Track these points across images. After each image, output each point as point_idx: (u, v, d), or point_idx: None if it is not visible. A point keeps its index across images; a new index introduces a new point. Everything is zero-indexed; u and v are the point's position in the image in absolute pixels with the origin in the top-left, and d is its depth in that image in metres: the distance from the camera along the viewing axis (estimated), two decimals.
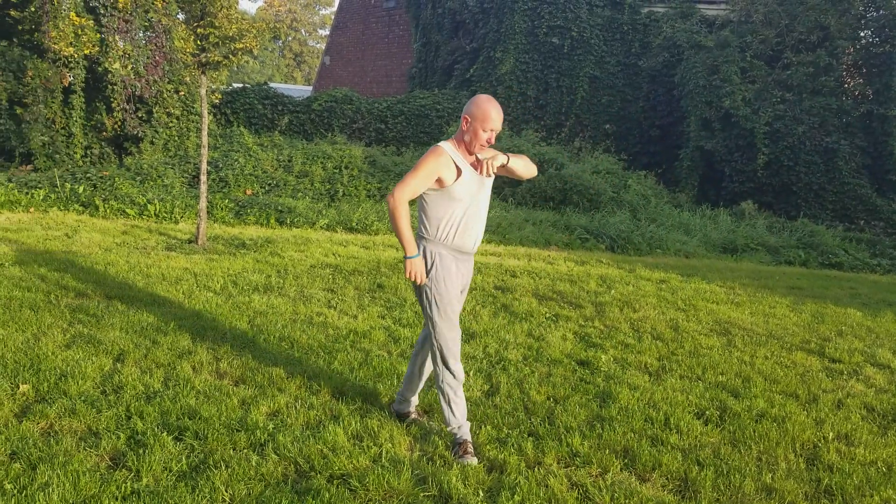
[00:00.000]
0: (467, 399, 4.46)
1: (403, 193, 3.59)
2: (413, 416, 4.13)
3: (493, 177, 3.80)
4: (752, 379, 5.35)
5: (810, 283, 10.44)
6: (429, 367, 4.04)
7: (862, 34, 17.73)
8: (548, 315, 6.88)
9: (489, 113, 3.60)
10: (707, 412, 4.55)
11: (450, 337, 3.72)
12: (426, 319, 3.77)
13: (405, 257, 3.66)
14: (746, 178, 16.84)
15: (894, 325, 7.77)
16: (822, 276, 11.56)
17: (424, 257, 3.73)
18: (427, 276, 3.72)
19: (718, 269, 10.88)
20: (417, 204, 3.80)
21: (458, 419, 3.77)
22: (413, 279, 3.68)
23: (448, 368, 3.74)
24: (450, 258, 3.75)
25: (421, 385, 4.10)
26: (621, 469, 3.70)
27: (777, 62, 17.40)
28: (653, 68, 19.06)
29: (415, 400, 4.16)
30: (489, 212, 13.00)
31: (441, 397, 3.79)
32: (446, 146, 3.70)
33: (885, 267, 13.11)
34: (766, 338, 6.70)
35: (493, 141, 3.69)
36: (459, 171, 3.66)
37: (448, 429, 3.81)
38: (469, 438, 3.78)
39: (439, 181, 3.65)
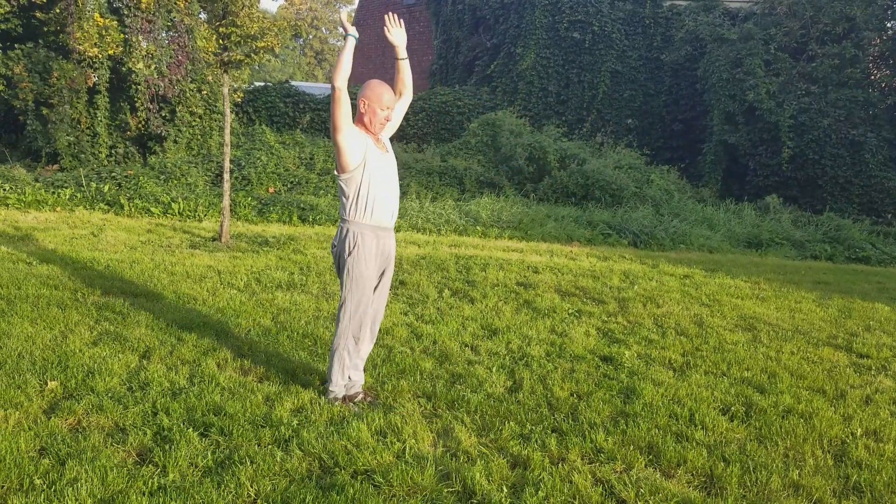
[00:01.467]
0: (490, 395, 4.46)
1: (340, 82, 3.87)
2: (360, 396, 4.27)
3: (393, 154, 4.31)
4: (777, 375, 5.29)
5: (837, 277, 10.31)
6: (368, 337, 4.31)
7: (889, 24, 17.45)
8: (570, 311, 6.86)
9: (382, 94, 4.05)
10: (732, 408, 4.51)
11: (361, 311, 4.11)
12: (342, 293, 4.11)
13: (349, 35, 4.03)
14: (771, 172, 16.66)
15: None
16: (848, 270, 11.42)
17: (346, 239, 4.06)
18: (349, 256, 4.04)
19: (743, 264, 10.78)
20: (337, 190, 4.17)
21: (340, 386, 4.18)
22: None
23: (353, 337, 4.13)
24: (371, 236, 4.08)
25: (362, 362, 4.33)
26: (646, 465, 3.68)
27: (802, 54, 17.18)
28: (675, 62, 18.91)
29: (360, 379, 4.31)
30: (512, 207, 13.00)
31: (335, 360, 4.13)
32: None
33: None
34: (792, 333, 6.63)
35: (391, 118, 4.17)
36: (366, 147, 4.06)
37: (329, 387, 4.18)
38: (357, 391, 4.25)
39: (350, 154, 3.99)
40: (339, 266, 4.12)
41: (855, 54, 16.40)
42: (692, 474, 3.62)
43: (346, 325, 4.10)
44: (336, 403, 4.12)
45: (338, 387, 4.18)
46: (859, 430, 4.32)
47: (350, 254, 4.03)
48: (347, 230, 4.06)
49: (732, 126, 17.11)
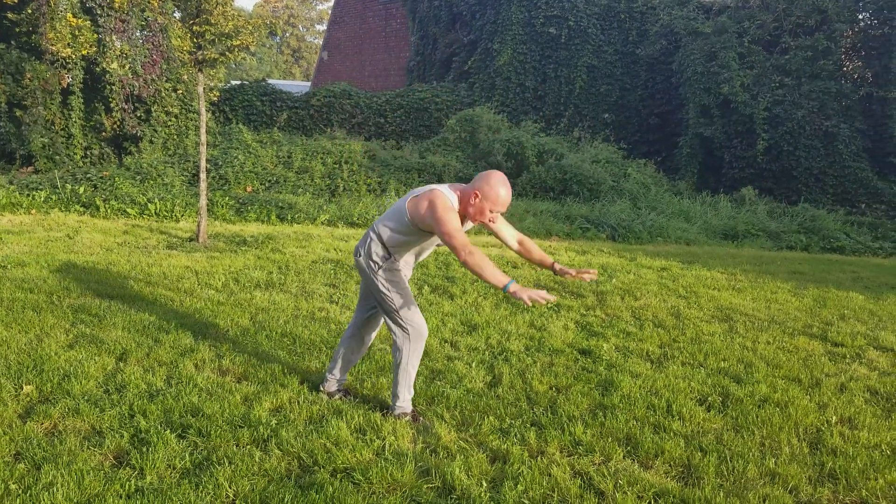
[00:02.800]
0: (470, 390, 4.48)
1: (464, 242, 3.53)
2: (339, 394, 4.27)
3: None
4: (754, 364, 5.35)
5: (812, 267, 10.43)
6: (355, 354, 4.27)
7: (860, 16, 17.66)
8: (550, 305, 6.89)
9: (500, 198, 3.64)
10: (709, 398, 4.56)
11: (414, 308, 3.92)
12: (386, 304, 3.89)
13: (505, 290, 3.46)
14: (746, 164, 16.81)
15: None
16: (823, 260, 11.55)
17: (372, 254, 3.86)
18: (379, 270, 3.86)
19: (719, 256, 10.88)
20: (395, 209, 3.86)
21: (409, 399, 4.03)
22: (537, 301, 3.43)
23: (421, 338, 3.93)
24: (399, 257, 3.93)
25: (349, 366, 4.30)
26: (624, 456, 3.71)
27: (775, 47, 17.34)
28: (650, 56, 19.02)
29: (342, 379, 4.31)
30: None
31: (402, 375, 3.95)
32: (452, 200, 3.70)
33: (888, 250, 13.10)
34: (768, 323, 6.70)
35: (495, 221, 3.81)
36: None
37: (397, 403, 4.01)
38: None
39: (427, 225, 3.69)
40: (371, 275, 3.87)
41: (827, 46, 16.59)
42: (670, 465, 3.65)
43: (412, 331, 3.89)
44: (406, 418, 3.96)
45: (407, 401, 4.02)
46: (834, 417, 4.38)
47: (379, 266, 3.86)
48: (373, 240, 3.87)
49: (708, 119, 17.25)
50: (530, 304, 3.40)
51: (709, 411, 4.37)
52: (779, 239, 13.18)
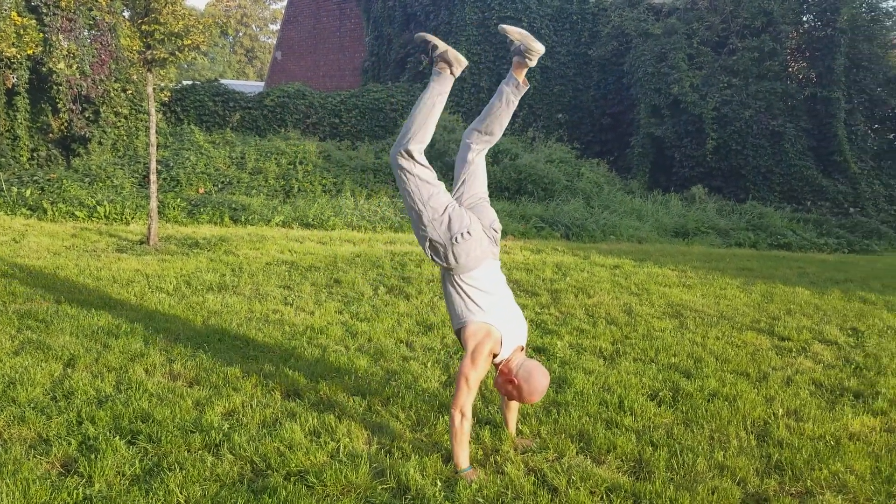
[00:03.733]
0: (425, 390, 4.49)
1: (469, 399, 3.45)
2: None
3: None
4: (703, 359, 5.46)
5: (760, 263, 10.67)
6: None
7: (804, 18, 18.12)
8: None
9: (533, 393, 3.51)
10: (660, 393, 4.64)
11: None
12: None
13: (459, 471, 3.44)
14: (696, 163, 17.12)
15: (841, 302, 7.99)
16: (771, 256, 11.83)
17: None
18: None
19: (670, 254, 11.06)
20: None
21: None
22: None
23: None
24: None
25: None
26: (577, 452, 3.75)
27: (723, 48, 17.70)
28: (602, 57, 19.24)
29: None
30: None
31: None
32: (505, 349, 3.57)
33: (832, 246, 13.47)
34: (718, 319, 6.84)
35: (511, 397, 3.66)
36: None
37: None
38: None
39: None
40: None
41: (773, 47, 16.98)
42: (622, 459, 3.71)
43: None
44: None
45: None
46: (781, 410, 4.49)
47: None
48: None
49: (658, 119, 17.52)
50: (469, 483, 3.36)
51: (660, 406, 4.45)
52: (728, 236, 13.46)
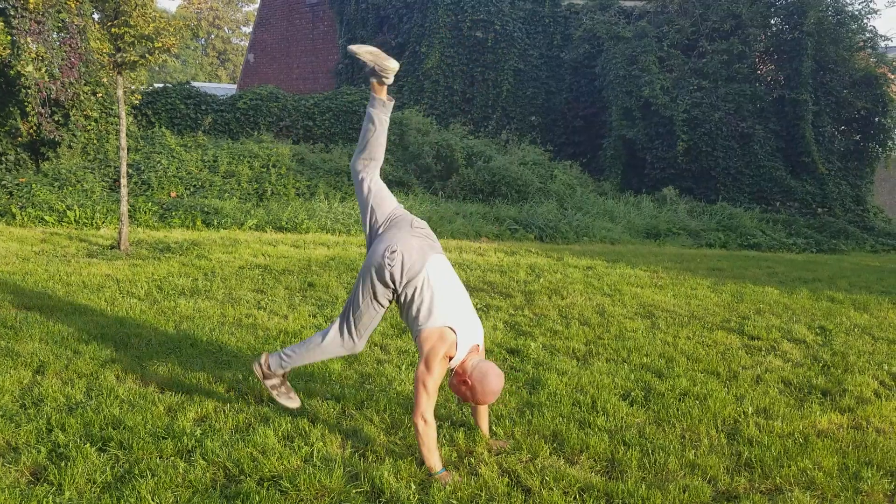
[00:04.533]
0: (399, 393, 4.50)
1: (429, 404, 3.50)
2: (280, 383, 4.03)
3: None
4: (675, 359, 5.52)
5: (730, 264, 10.81)
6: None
7: (772, 21, 18.38)
8: (479, 305, 6.96)
9: (489, 393, 3.54)
10: (632, 393, 4.69)
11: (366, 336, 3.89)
12: (349, 310, 3.81)
13: (433, 474, 3.46)
14: (667, 165, 17.29)
15: (809, 301, 8.12)
16: (741, 256, 11.99)
17: (387, 266, 3.65)
18: (380, 281, 3.66)
19: (642, 254, 11.17)
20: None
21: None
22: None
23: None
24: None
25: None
26: (550, 453, 3.78)
27: (693, 51, 17.90)
28: (575, 60, 19.37)
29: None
30: (421, 205, 13.06)
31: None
32: (461, 350, 3.61)
33: (801, 246, 13.69)
34: (689, 318, 6.92)
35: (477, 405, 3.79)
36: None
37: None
38: None
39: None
40: (364, 278, 3.76)
41: (742, 50, 17.21)
42: (594, 459, 3.74)
43: (349, 346, 3.86)
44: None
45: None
46: (750, 408, 4.56)
47: (384, 283, 3.73)
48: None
49: (630, 121, 17.66)
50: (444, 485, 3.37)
51: (632, 406, 4.49)
52: (699, 237, 13.61)
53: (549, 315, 6.77)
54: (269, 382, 3.94)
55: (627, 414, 4.35)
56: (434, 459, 3.48)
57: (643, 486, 3.44)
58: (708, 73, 17.27)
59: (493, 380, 3.52)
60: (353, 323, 3.77)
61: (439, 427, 3.97)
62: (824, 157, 17.28)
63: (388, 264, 3.60)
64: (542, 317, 6.69)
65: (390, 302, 3.76)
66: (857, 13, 18.08)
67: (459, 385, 3.59)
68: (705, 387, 4.89)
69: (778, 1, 18.25)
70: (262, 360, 3.95)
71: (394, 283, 3.62)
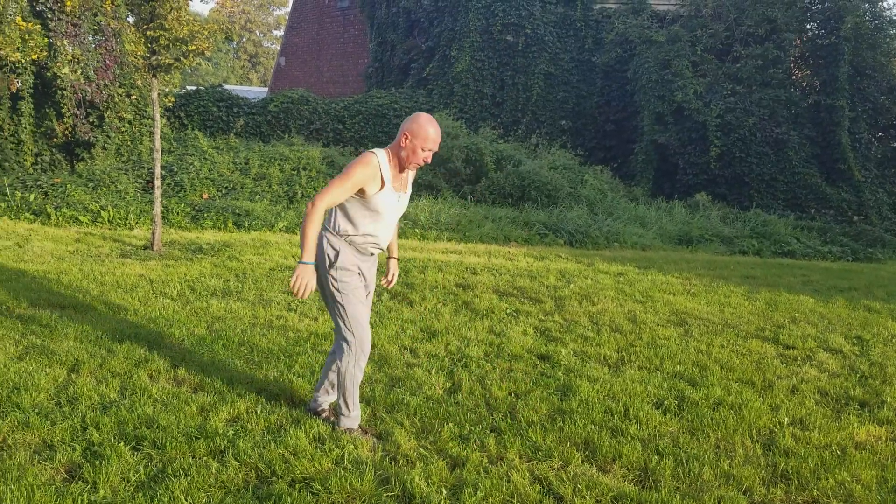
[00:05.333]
0: (429, 397, 4.48)
1: (324, 202, 3.58)
2: (325, 413, 4.11)
3: (410, 192, 3.96)
4: (708, 368, 5.45)
5: (764, 271, 10.65)
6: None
7: (808, 26, 18.13)
8: (508, 311, 6.92)
9: (429, 134, 3.65)
10: (665, 402, 4.63)
11: (363, 323, 3.81)
12: (334, 313, 3.83)
13: (299, 262, 3.54)
14: (700, 171, 17.11)
15: (845, 310, 7.97)
16: (775, 264, 11.81)
17: (325, 248, 3.75)
18: (331, 269, 3.73)
19: (674, 261, 11.05)
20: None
21: (357, 413, 3.92)
22: (296, 288, 3.49)
23: (363, 353, 3.82)
24: (350, 252, 3.79)
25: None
26: (582, 461, 3.74)
27: (727, 55, 17.70)
28: (606, 64, 19.25)
29: (328, 399, 4.14)
30: (450, 209, 13.04)
31: (348, 384, 3.83)
32: (380, 156, 3.71)
33: (836, 254, 13.45)
34: (722, 327, 6.82)
35: (429, 160, 3.76)
36: (383, 184, 3.70)
37: (342, 416, 3.90)
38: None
39: (361, 191, 3.68)
40: (323, 282, 3.78)
41: (777, 55, 16.98)
42: (627, 468, 3.70)
43: (353, 343, 3.79)
44: (355, 434, 3.87)
45: (354, 413, 3.91)
46: (786, 419, 4.48)
47: (331, 264, 3.74)
48: (326, 240, 3.76)
49: (662, 126, 17.51)
50: (293, 287, 3.49)
51: (665, 415, 4.43)
52: (732, 244, 13.44)
53: (579, 321, 6.71)
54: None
55: (661, 422, 4.29)
56: (308, 244, 3.53)
57: (677, 496, 3.38)
58: (742, 78, 17.07)
59: (419, 114, 3.69)
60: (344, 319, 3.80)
61: (468, 434, 3.95)
62: (861, 164, 17.00)
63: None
64: (572, 323, 6.64)
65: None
66: (895, 18, 17.78)
67: (407, 154, 3.68)
68: (740, 396, 4.81)
69: (814, 6, 17.99)
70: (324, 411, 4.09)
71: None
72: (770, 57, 16.91)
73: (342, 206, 3.75)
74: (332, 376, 3.95)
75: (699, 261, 11.38)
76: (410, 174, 3.94)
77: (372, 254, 3.91)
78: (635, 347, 5.92)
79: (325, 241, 3.76)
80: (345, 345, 3.80)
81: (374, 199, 3.69)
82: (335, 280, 3.75)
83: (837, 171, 16.94)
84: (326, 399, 4.12)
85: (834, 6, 17.29)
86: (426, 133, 3.64)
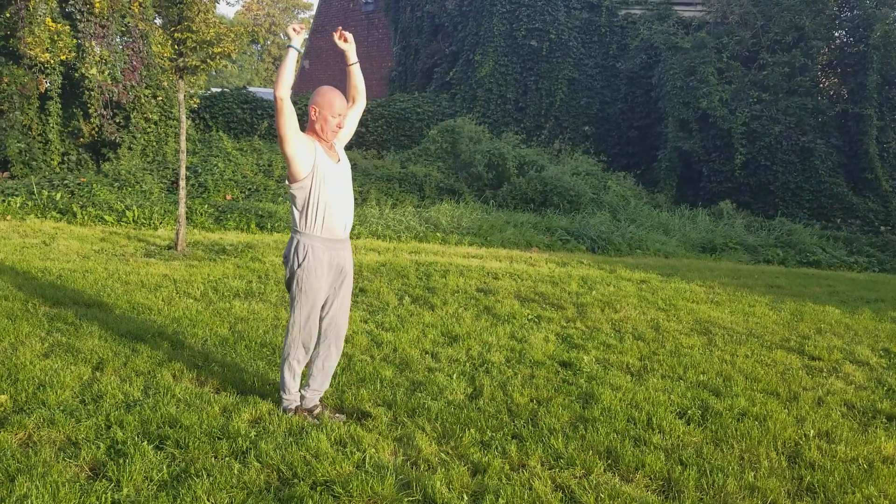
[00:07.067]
0: (451, 402, 4.46)
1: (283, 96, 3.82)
2: (319, 408, 4.19)
3: (347, 163, 4.20)
4: (732, 378, 5.38)
5: (789, 281, 10.53)
6: (327, 360, 4.21)
7: (836, 34, 17.95)
8: (530, 317, 6.89)
9: (334, 101, 3.97)
10: (689, 411, 4.58)
11: (311, 323, 4.05)
12: (290, 305, 4.07)
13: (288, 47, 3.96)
14: (724, 178, 16.97)
15: (872, 322, 7.85)
16: (800, 274, 11.67)
17: (297, 250, 3.96)
18: (298, 268, 3.94)
19: (698, 269, 10.95)
20: (289, 198, 4.04)
21: (294, 394, 4.15)
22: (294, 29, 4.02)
23: (304, 347, 4.09)
24: (322, 248, 3.97)
25: (326, 379, 4.26)
26: (605, 470, 3.71)
27: (753, 63, 17.56)
28: (630, 70, 19.18)
29: (319, 392, 4.25)
30: (472, 214, 13.03)
31: (286, 369, 4.11)
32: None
33: (862, 264, 13.27)
34: (747, 336, 6.75)
35: (342, 125, 4.06)
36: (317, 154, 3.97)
37: (283, 396, 4.15)
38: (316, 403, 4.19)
39: (298, 164, 3.89)
40: (289, 278, 4.02)
41: (804, 63, 16.82)
42: (650, 478, 3.66)
43: (296, 337, 4.05)
44: (290, 413, 4.09)
45: (292, 395, 4.14)
46: (812, 431, 4.41)
47: (300, 266, 3.93)
48: (298, 242, 3.95)
49: (686, 133, 17.40)
50: (292, 32, 4.03)
51: (688, 424, 4.38)
52: (756, 253, 13.30)
53: (601, 328, 6.67)
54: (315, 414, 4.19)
55: (684, 432, 4.24)
56: (285, 69, 3.87)
57: None
58: (768, 86, 16.92)
59: (320, 87, 4.04)
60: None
61: (490, 440, 3.94)
62: (888, 174, 16.79)
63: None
64: (594, 330, 6.60)
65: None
66: None
67: (321, 127, 3.97)
68: (765, 407, 4.75)
69: (843, 14, 17.82)
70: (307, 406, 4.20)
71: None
72: (797, 65, 16.75)
73: (295, 205, 3.98)
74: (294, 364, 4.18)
75: (723, 269, 11.27)
76: (339, 147, 4.16)
77: (342, 238, 4.09)
78: (658, 356, 5.86)
79: (296, 242, 3.97)
80: (288, 336, 4.08)
81: (316, 167, 3.91)
82: (299, 280, 3.97)
83: (864, 181, 16.74)
84: (310, 393, 4.22)
85: (863, 14, 17.10)
86: (330, 101, 3.96)
